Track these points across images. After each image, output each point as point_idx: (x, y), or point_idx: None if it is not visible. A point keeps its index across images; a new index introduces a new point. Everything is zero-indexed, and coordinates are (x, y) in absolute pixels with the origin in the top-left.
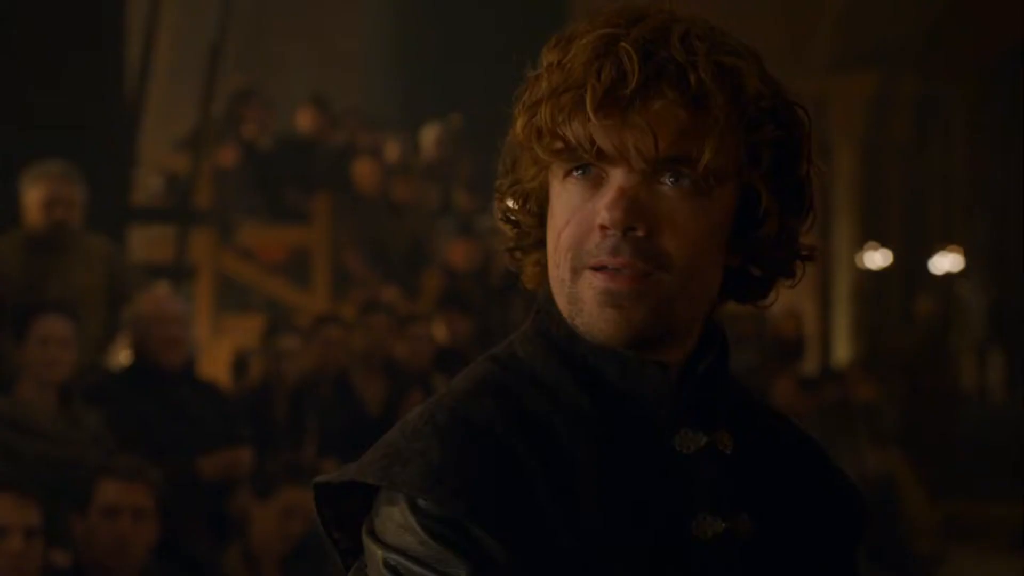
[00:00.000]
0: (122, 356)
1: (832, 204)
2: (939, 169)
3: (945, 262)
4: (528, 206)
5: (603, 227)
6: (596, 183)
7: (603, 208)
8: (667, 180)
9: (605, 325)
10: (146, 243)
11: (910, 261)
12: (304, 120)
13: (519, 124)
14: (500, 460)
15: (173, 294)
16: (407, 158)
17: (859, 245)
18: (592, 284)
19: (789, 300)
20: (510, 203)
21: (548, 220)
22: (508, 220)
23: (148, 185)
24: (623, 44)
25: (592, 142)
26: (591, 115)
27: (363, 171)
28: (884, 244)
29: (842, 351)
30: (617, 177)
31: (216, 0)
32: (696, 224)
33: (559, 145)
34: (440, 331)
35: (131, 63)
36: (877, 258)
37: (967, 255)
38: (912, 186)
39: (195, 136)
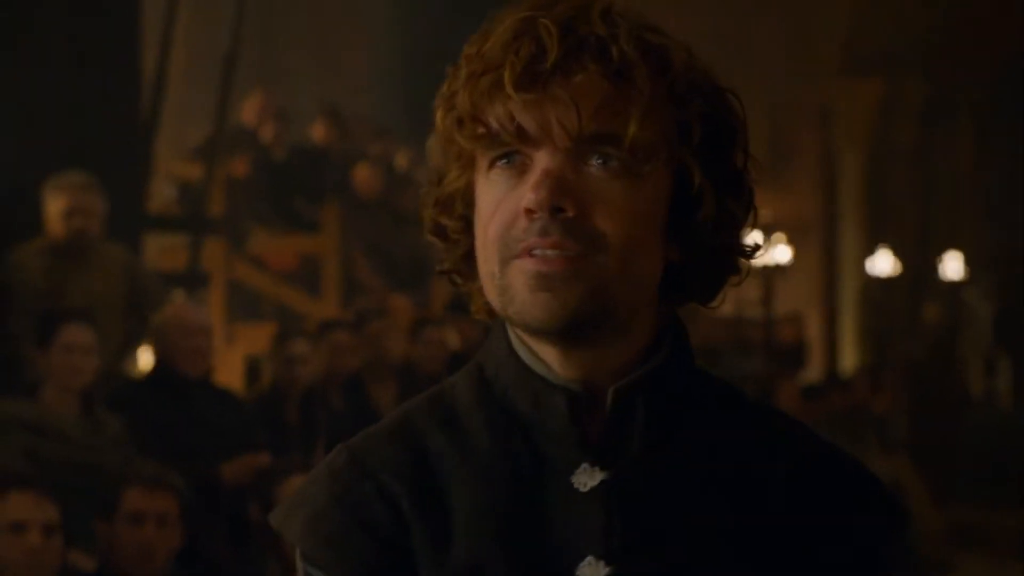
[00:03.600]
0: (141, 363)
1: (839, 210)
2: (946, 175)
3: (952, 265)
4: (453, 209)
5: (529, 210)
6: (521, 171)
7: (528, 191)
8: (595, 162)
9: (537, 311)
10: (158, 251)
11: (917, 268)
12: (318, 132)
13: (438, 117)
14: (377, 509)
15: (197, 304)
16: (414, 167)
17: (866, 252)
18: (523, 270)
19: (792, 306)
20: (436, 213)
21: (475, 217)
22: (436, 231)
23: (161, 194)
24: (542, 21)
25: (513, 120)
26: (511, 92)
27: (362, 177)
28: (891, 251)
29: (849, 358)
30: (542, 160)
31: (230, 11)
32: (629, 204)
33: (480, 130)
34: (452, 336)
35: (147, 74)
36: (884, 265)
37: (974, 262)
38: (918, 192)
39: (208, 146)
